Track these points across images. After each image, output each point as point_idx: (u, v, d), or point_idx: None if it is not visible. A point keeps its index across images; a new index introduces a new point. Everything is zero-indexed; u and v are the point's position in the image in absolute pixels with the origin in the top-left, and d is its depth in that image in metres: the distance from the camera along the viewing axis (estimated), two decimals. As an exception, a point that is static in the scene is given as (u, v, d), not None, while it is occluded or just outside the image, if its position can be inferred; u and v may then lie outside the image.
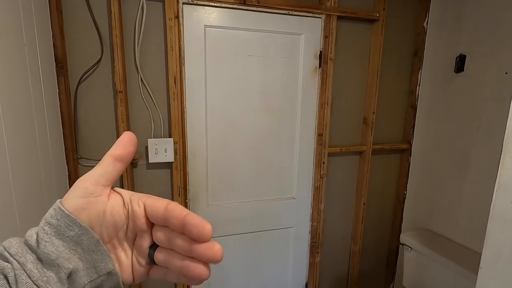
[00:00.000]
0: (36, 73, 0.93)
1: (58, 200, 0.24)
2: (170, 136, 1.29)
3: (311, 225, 1.58)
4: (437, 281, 1.35)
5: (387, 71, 1.57)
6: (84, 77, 1.16)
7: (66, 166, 1.16)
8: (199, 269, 0.24)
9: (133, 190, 1.27)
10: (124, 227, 0.26)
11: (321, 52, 1.40)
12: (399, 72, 1.61)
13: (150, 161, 1.26)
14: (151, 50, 1.22)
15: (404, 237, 1.52)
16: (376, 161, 1.66)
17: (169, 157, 1.27)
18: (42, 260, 0.22)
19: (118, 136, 1.22)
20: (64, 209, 0.23)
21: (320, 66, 1.42)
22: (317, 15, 1.35)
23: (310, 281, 1.64)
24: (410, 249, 1.49)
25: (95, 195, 0.25)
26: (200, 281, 0.25)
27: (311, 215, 1.57)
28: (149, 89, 1.24)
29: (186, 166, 1.33)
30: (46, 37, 1.02)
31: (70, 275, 0.23)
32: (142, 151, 1.28)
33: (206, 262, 0.24)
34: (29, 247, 0.23)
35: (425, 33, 1.55)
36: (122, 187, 1.25)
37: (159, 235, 0.26)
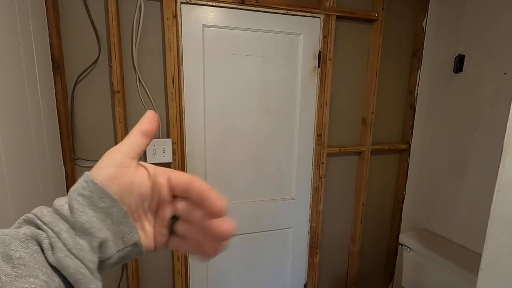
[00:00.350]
0: (32, 73, 0.92)
1: (87, 173, 0.25)
2: (168, 137, 1.28)
3: (310, 225, 1.58)
4: (436, 281, 1.35)
5: (386, 71, 1.56)
6: (81, 77, 1.15)
7: (63, 167, 1.15)
8: (211, 245, 0.26)
9: (131, 191, 1.26)
10: (149, 198, 0.27)
11: (320, 52, 1.40)
12: (398, 72, 1.61)
13: (148, 161, 1.24)
14: (149, 50, 1.22)
15: (403, 237, 1.52)
16: (375, 161, 1.65)
17: (167, 157, 1.26)
18: (75, 229, 0.23)
19: (115, 137, 1.22)
20: (96, 182, 0.24)
21: (319, 66, 1.41)
22: (316, 15, 1.35)
23: (309, 282, 1.64)
24: (409, 249, 1.48)
25: (125, 165, 0.26)
26: (210, 257, 0.27)
27: (310, 216, 1.57)
28: (147, 89, 1.23)
29: (185, 167, 1.32)
30: (42, 36, 1.01)
31: (101, 245, 0.24)
32: (140, 151, 1.27)
33: (218, 237, 0.26)
34: (61, 216, 0.23)
35: (424, 33, 1.55)
36: (119, 188, 1.24)
37: (180, 206, 0.28)
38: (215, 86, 1.29)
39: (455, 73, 1.40)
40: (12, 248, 0.20)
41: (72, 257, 0.22)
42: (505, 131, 1.22)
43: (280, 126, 1.43)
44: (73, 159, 1.18)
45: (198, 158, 1.33)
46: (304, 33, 1.36)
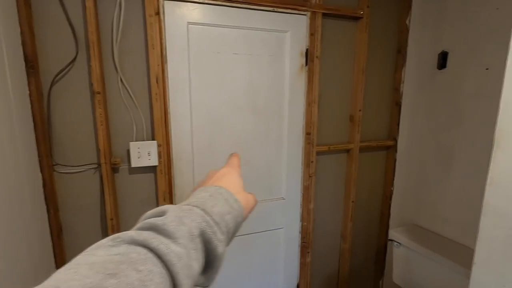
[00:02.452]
0: (1, 74, 0.85)
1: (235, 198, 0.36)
2: (153, 139, 1.23)
3: (301, 225, 1.57)
4: (426, 275, 1.37)
5: (371, 68, 1.57)
6: (58, 77, 1.09)
7: (40, 174, 1.07)
8: None
9: (115, 195, 1.20)
10: None
11: (307, 50, 1.38)
12: (383, 69, 1.62)
13: (133, 165, 1.19)
14: (131, 48, 1.16)
15: (392, 233, 1.53)
16: (363, 158, 1.66)
17: (153, 160, 1.21)
18: (219, 224, 0.31)
19: (97, 140, 1.15)
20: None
21: (306, 64, 1.40)
22: (302, 12, 1.34)
23: (301, 282, 1.62)
24: (399, 244, 1.50)
25: None
26: None
27: (301, 215, 1.56)
28: (129, 90, 1.17)
29: (172, 170, 1.27)
30: (13, 34, 0.94)
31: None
32: (123, 155, 1.21)
33: None
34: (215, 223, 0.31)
35: (408, 30, 1.57)
36: (102, 193, 1.18)
37: None
38: (201, 86, 1.26)
39: (439, 69, 1.43)
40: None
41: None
42: (488, 126, 1.25)
43: (268, 125, 1.40)
44: (51, 165, 1.11)
45: (185, 160, 1.28)
46: (290, 31, 1.34)
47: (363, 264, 1.83)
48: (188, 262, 0.25)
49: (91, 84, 1.12)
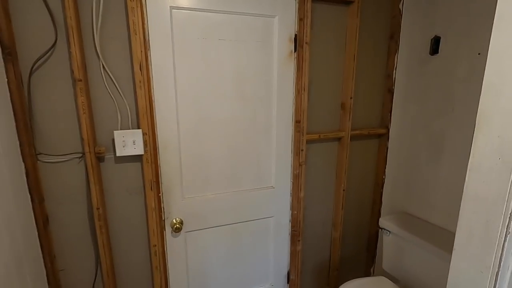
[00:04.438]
0: (-25, 59, 0.82)
1: None
2: (138, 127, 1.21)
3: (291, 213, 1.56)
4: (415, 262, 1.37)
5: (363, 55, 1.54)
6: (38, 64, 1.06)
7: (23, 163, 1.06)
8: None
9: (100, 185, 1.19)
10: None
11: (296, 35, 1.35)
12: (376, 56, 1.59)
13: (118, 154, 1.18)
14: (112, 34, 1.13)
15: (382, 221, 1.53)
16: (355, 146, 1.65)
17: (138, 149, 1.20)
18: None
19: (80, 129, 1.14)
20: None
21: (295, 50, 1.37)
22: (290, -4, 1.30)
23: (292, 270, 1.63)
24: (388, 232, 1.50)
25: None
26: None
27: (291, 204, 1.55)
28: (112, 77, 1.15)
29: (158, 159, 1.26)
30: (-13, 19, 0.91)
31: None
32: (108, 144, 1.19)
33: None
34: None
35: (401, 15, 1.53)
36: (88, 183, 1.17)
37: None
38: (187, 73, 1.23)
39: (431, 55, 1.39)
40: None
41: None
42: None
43: (257, 113, 1.38)
44: (34, 154, 1.10)
45: (171, 149, 1.27)
46: (278, 16, 1.30)
47: (354, 252, 1.84)
48: None
49: (72, 71, 1.09)
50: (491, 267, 0.61)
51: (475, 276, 0.65)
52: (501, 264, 0.60)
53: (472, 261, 0.66)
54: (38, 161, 1.12)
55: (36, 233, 1.13)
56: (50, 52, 1.07)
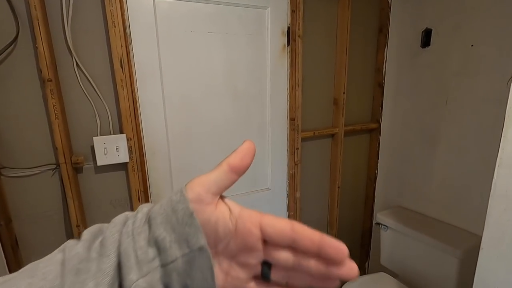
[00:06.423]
0: None
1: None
2: (121, 132, 1.08)
3: (288, 215, 1.50)
4: (414, 256, 1.37)
5: (353, 49, 1.50)
6: (-4, 62, 0.90)
7: (-17, 180, 0.90)
8: (333, 283, 0.24)
9: (79, 199, 1.05)
10: (226, 240, 0.24)
11: (288, 28, 1.28)
12: (366, 50, 1.56)
13: (99, 163, 1.04)
14: (86, 27, 0.99)
15: (379, 217, 1.52)
16: (348, 142, 1.62)
17: (122, 156, 1.06)
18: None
19: (52, 136, 0.98)
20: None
21: (288, 44, 1.30)
22: (282, -14, 1.22)
23: (290, 272, 1.58)
24: (386, 227, 1.49)
25: (204, 202, 0.23)
26: None
27: (288, 205, 1.49)
28: (88, 76, 1.01)
29: (145, 166, 1.13)
30: None
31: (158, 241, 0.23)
32: (87, 152, 1.05)
33: (336, 279, 0.24)
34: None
35: (390, 7, 1.51)
36: (64, 197, 1.03)
37: (283, 256, 0.24)
38: (174, 69, 1.11)
39: (422, 47, 1.39)
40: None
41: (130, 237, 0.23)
42: (473, 104, 1.23)
43: (250, 111, 1.30)
44: (-3, 169, 0.94)
45: (160, 154, 1.15)
46: (270, 7, 1.22)
47: (349, 248, 1.81)
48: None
49: (39, 70, 0.94)
50: (527, 267, 0.59)
51: (506, 277, 0.63)
52: (538, 264, 0.57)
53: (503, 261, 0.63)
54: (1, 176, 0.95)
55: (4, 260, 0.97)
56: (10, 49, 0.90)
